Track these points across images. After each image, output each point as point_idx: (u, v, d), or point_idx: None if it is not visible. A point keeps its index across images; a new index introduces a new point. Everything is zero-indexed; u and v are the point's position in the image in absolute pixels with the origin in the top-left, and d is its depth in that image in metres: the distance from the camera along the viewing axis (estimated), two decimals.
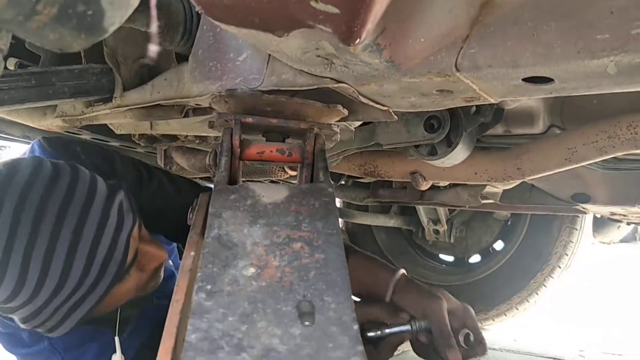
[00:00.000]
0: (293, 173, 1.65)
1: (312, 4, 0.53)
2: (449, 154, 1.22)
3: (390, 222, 2.89)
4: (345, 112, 0.85)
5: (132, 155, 1.81)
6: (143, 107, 1.12)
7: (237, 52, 0.85)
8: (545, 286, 2.51)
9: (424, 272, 2.94)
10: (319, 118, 0.86)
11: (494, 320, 2.65)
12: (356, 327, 0.51)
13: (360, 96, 0.78)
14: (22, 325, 1.10)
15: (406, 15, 0.59)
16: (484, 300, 2.65)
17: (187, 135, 1.44)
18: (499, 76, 0.62)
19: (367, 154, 1.60)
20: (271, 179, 1.75)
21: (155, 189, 1.39)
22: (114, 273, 1.08)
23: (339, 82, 0.74)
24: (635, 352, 2.63)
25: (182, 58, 1.01)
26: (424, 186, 1.57)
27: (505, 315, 2.62)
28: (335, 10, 0.53)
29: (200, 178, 1.99)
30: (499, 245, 2.77)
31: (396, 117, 0.88)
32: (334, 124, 0.85)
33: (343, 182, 2.27)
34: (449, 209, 2.75)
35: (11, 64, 1.32)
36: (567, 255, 2.45)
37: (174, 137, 1.47)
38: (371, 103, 0.81)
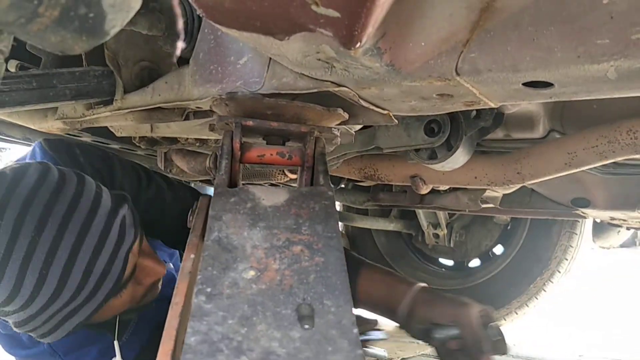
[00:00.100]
0: (293, 176, 1.65)
1: (313, 7, 0.53)
2: (449, 157, 1.22)
3: (390, 225, 2.89)
4: (346, 115, 0.85)
5: (132, 157, 1.81)
6: (144, 110, 1.13)
7: (238, 55, 0.85)
8: (544, 291, 2.50)
9: (424, 276, 2.94)
10: (320, 121, 0.86)
11: None
12: (356, 330, 0.51)
13: (360, 100, 0.78)
14: (15, 329, 1.10)
15: (406, 20, 0.59)
16: (483, 304, 2.64)
17: (187, 138, 1.44)
18: (499, 80, 0.63)
19: (367, 157, 1.60)
20: (271, 182, 1.75)
21: (153, 194, 1.39)
22: (111, 287, 1.08)
23: (339, 85, 0.74)
24: (635, 355, 2.62)
25: (183, 61, 1.01)
26: (424, 190, 1.57)
27: (505, 319, 2.61)
28: (336, 14, 0.53)
29: (200, 181, 1.99)
30: (498, 249, 2.77)
31: (396, 120, 0.88)
32: (335, 128, 0.85)
33: (343, 186, 2.28)
34: (448, 213, 2.75)
35: (12, 66, 1.32)
36: (566, 259, 2.45)
37: (174, 140, 1.48)
38: (371, 107, 0.81)
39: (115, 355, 1.24)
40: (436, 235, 2.80)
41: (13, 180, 1.03)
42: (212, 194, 0.71)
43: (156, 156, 1.78)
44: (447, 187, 1.74)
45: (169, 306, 0.59)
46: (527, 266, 2.54)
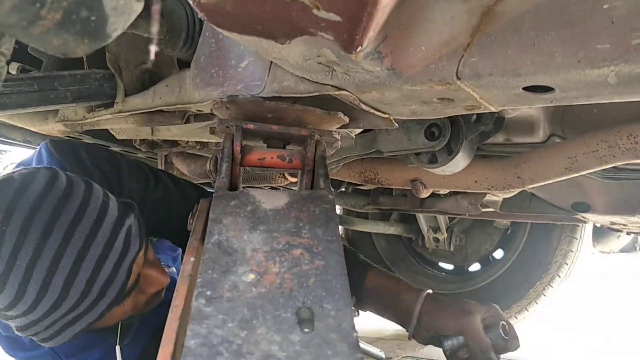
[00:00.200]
0: (293, 179, 1.65)
1: (315, 11, 0.53)
2: (450, 162, 1.22)
3: (390, 229, 2.89)
4: (346, 119, 0.85)
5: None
6: (144, 113, 1.13)
7: (239, 58, 0.86)
8: (544, 295, 2.50)
9: (424, 280, 2.93)
10: (320, 125, 0.86)
11: None
12: (355, 334, 0.51)
13: (361, 103, 0.78)
14: (17, 332, 1.10)
15: (407, 24, 0.60)
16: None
17: (188, 141, 1.44)
18: (500, 85, 0.63)
19: (367, 161, 1.60)
20: (271, 185, 1.75)
21: (161, 195, 1.38)
22: (114, 296, 1.07)
23: (340, 89, 0.74)
24: (636, 359, 2.62)
25: (184, 64, 1.01)
26: (424, 194, 1.57)
27: None
28: (337, 19, 0.53)
29: (201, 184, 1.99)
30: (498, 253, 2.77)
31: (397, 124, 0.88)
32: (335, 131, 0.85)
33: (343, 189, 2.28)
34: (449, 217, 2.75)
35: (13, 68, 1.33)
36: (566, 264, 2.45)
37: (174, 143, 1.48)
38: (372, 110, 0.81)
39: (116, 359, 1.24)
40: (436, 239, 2.79)
41: (21, 185, 1.03)
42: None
43: (156, 159, 1.79)
44: (447, 191, 1.74)
45: (169, 309, 0.59)
46: (527, 270, 2.53)
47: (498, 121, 1.21)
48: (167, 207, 1.38)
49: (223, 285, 0.55)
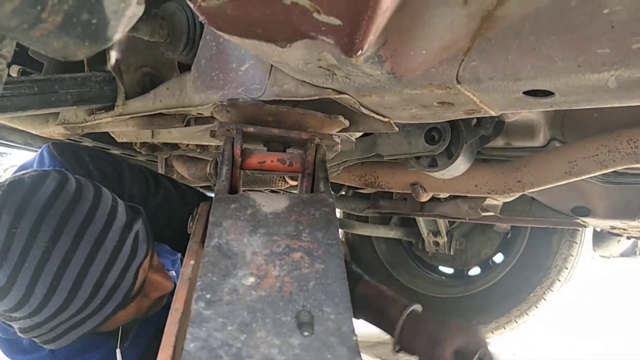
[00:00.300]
0: (294, 183, 1.65)
1: (315, 15, 0.53)
2: (450, 165, 1.22)
3: (390, 233, 2.89)
4: (347, 123, 0.85)
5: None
6: (145, 116, 1.13)
7: (240, 62, 0.86)
8: (544, 299, 2.50)
9: (424, 284, 2.93)
10: (320, 128, 0.86)
11: (492, 333, 2.64)
12: (355, 338, 0.51)
13: (361, 107, 0.78)
14: (19, 334, 1.10)
15: (408, 28, 0.60)
16: (483, 313, 2.64)
17: (188, 144, 1.44)
18: (500, 89, 0.63)
19: (367, 164, 1.60)
20: (272, 188, 1.75)
21: (162, 199, 1.39)
22: (120, 301, 1.08)
23: (340, 93, 0.74)
24: None
25: (184, 67, 1.01)
26: (424, 198, 1.57)
27: (505, 328, 2.60)
28: (338, 22, 0.53)
29: (201, 187, 1.99)
30: (498, 257, 2.77)
31: (397, 128, 0.88)
32: (335, 135, 0.85)
33: (343, 193, 2.28)
34: (449, 221, 2.75)
35: (14, 71, 1.33)
36: (566, 268, 2.45)
37: (175, 146, 1.48)
38: (372, 114, 0.81)
39: None
40: (436, 243, 2.79)
41: (31, 187, 1.03)
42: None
43: (157, 162, 1.79)
44: (447, 195, 1.74)
45: (169, 312, 0.59)
46: (527, 275, 2.53)
47: (498, 125, 1.21)
48: (168, 212, 1.38)
49: (223, 288, 0.55)
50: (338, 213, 2.81)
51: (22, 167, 1.33)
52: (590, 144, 1.14)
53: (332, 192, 0.76)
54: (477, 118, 1.19)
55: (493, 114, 0.74)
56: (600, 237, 2.32)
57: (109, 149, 1.69)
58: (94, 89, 1.11)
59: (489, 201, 1.75)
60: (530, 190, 1.33)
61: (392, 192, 2.12)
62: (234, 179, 0.78)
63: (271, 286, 0.56)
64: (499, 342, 2.79)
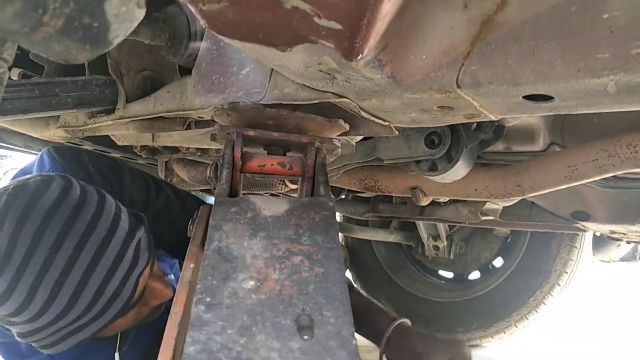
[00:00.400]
0: (294, 186, 1.65)
1: (316, 20, 0.53)
2: (449, 169, 1.23)
3: (390, 237, 2.89)
4: (347, 126, 0.86)
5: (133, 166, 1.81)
6: (145, 119, 1.13)
7: (240, 65, 0.86)
8: (544, 304, 2.49)
9: (423, 288, 2.93)
10: (321, 132, 0.86)
11: (492, 337, 2.64)
12: (355, 342, 0.51)
13: (361, 111, 0.78)
14: (17, 338, 1.10)
15: (408, 32, 0.60)
16: (482, 317, 2.64)
17: (188, 147, 1.44)
18: (500, 93, 0.63)
19: (367, 168, 1.60)
20: (272, 192, 1.75)
21: (162, 205, 1.39)
22: (120, 308, 1.08)
23: (340, 96, 0.74)
24: None
25: (185, 71, 1.02)
26: (424, 202, 1.57)
27: (505, 332, 2.60)
28: (338, 27, 0.53)
29: (201, 190, 1.99)
30: (498, 262, 2.76)
31: (397, 132, 0.88)
32: (335, 139, 0.86)
33: (343, 197, 2.28)
34: (448, 225, 2.75)
35: (15, 74, 1.33)
36: (566, 273, 2.44)
37: (175, 149, 1.48)
38: (372, 118, 0.81)
39: None
40: (436, 247, 2.79)
41: (35, 192, 1.03)
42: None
43: (157, 165, 1.79)
44: (447, 199, 1.74)
45: (168, 316, 0.59)
46: (527, 279, 2.53)
47: (498, 129, 1.22)
48: (168, 218, 1.38)
49: (223, 291, 0.55)
50: (338, 217, 2.81)
51: (22, 171, 1.33)
52: (590, 149, 1.15)
53: (332, 196, 0.76)
54: (477, 122, 1.19)
55: (493, 118, 0.74)
56: (600, 242, 2.32)
57: (109, 152, 1.69)
58: (95, 92, 1.11)
59: (488, 205, 1.75)
60: (530, 195, 1.33)
61: (392, 196, 2.12)
62: (234, 182, 0.78)
63: (271, 289, 0.56)
64: (499, 346, 2.78)
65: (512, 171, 1.33)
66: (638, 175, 1.35)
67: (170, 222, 1.38)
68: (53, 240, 0.99)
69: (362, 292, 2.58)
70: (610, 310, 4.24)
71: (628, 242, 2.07)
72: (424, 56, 0.63)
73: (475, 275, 2.85)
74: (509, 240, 2.72)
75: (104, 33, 0.47)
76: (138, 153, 1.53)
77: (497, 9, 0.59)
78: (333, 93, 0.74)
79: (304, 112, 0.82)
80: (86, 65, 1.18)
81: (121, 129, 1.23)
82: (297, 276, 0.59)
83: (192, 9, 0.57)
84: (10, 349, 1.29)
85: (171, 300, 0.64)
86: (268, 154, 0.86)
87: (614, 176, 1.25)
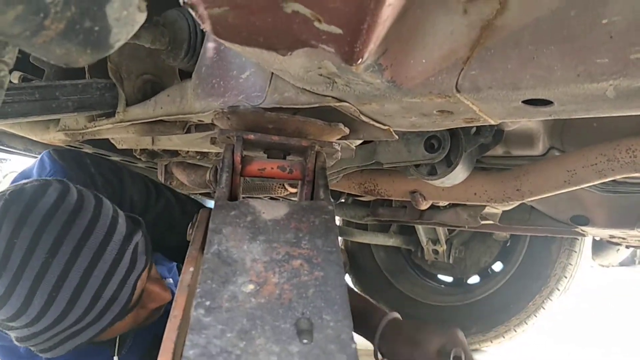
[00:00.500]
0: (293, 190, 1.65)
1: (316, 24, 0.53)
2: (449, 174, 1.23)
3: (390, 241, 2.89)
4: (347, 130, 0.86)
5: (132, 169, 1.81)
6: (145, 123, 1.13)
7: (241, 69, 0.86)
8: (544, 308, 2.49)
9: (422, 292, 2.93)
10: (321, 136, 0.86)
11: (491, 342, 2.64)
12: (354, 345, 0.51)
13: (361, 115, 0.78)
14: (16, 342, 1.10)
15: (408, 37, 0.60)
16: (482, 321, 2.64)
17: (188, 151, 1.44)
18: (499, 98, 0.63)
19: (367, 172, 1.60)
20: (271, 195, 1.75)
21: (162, 208, 1.39)
22: (117, 312, 1.08)
23: (340, 101, 0.74)
24: None
25: (185, 74, 1.02)
26: (424, 206, 1.57)
27: (504, 337, 2.60)
28: (339, 31, 0.53)
29: (200, 194, 1.99)
30: (497, 266, 2.76)
31: (397, 136, 0.88)
32: (335, 142, 0.86)
33: (343, 200, 2.28)
34: (448, 229, 2.75)
35: (15, 77, 1.33)
36: (566, 277, 2.44)
37: (175, 153, 1.48)
38: (372, 122, 0.81)
39: None
40: (435, 251, 2.79)
41: (33, 197, 1.03)
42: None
43: (156, 169, 1.79)
44: (446, 203, 1.74)
45: (167, 319, 0.59)
46: (527, 283, 2.53)
47: (497, 134, 1.22)
48: (168, 221, 1.38)
49: (222, 295, 0.55)
50: (337, 220, 2.81)
51: (22, 173, 1.33)
52: (590, 153, 1.15)
53: (332, 200, 0.76)
54: (477, 127, 1.19)
55: (492, 122, 0.74)
56: (599, 246, 2.32)
57: (109, 156, 1.69)
58: (95, 95, 1.11)
59: (488, 209, 1.75)
60: (529, 199, 1.33)
61: (392, 200, 2.12)
62: (233, 186, 0.78)
63: (270, 293, 0.56)
64: (498, 351, 2.78)
65: (511, 175, 1.34)
66: (637, 180, 1.35)
67: (169, 225, 1.38)
68: (50, 245, 0.99)
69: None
70: (610, 315, 4.24)
71: (627, 247, 2.07)
72: (424, 61, 0.63)
73: (474, 279, 2.86)
74: (508, 245, 2.72)
75: (105, 37, 0.47)
76: (138, 156, 1.53)
77: (497, 13, 0.59)
78: (333, 97, 0.74)
79: (304, 116, 0.82)
80: (86, 69, 1.18)
81: (121, 132, 1.24)
82: (296, 280, 0.59)
83: (193, 13, 0.57)
84: (9, 352, 1.29)
85: (170, 303, 0.64)
86: (268, 157, 0.86)
87: (613, 180, 1.25)
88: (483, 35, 0.61)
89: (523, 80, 0.59)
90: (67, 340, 1.07)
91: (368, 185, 1.62)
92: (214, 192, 0.85)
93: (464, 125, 0.78)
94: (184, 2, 0.55)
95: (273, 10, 0.54)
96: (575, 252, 2.43)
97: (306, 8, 0.52)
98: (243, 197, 0.77)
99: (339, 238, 2.77)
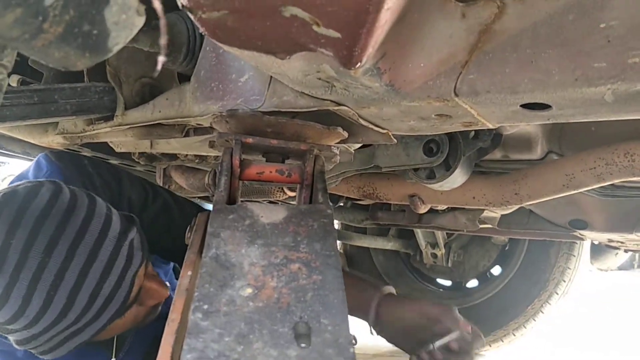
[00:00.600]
0: (292, 194, 1.65)
1: (315, 28, 0.53)
2: (447, 177, 1.23)
3: (388, 244, 2.89)
4: (345, 134, 0.86)
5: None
6: (144, 126, 1.13)
7: (239, 73, 0.86)
8: (542, 312, 2.49)
9: (421, 296, 2.93)
10: (319, 140, 0.86)
11: (490, 346, 2.64)
12: (352, 350, 0.51)
13: (360, 119, 0.78)
14: (16, 346, 1.10)
15: (406, 41, 0.60)
16: (480, 325, 2.61)
17: (186, 155, 1.44)
18: (498, 102, 0.63)
19: (366, 176, 1.60)
20: (270, 199, 1.75)
21: (160, 209, 1.39)
22: (116, 309, 1.07)
23: (339, 104, 0.74)
24: None
25: (184, 78, 1.02)
26: (422, 209, 1.57)
27: (502, 341, 2.60)
28: (337, 35, 0.53)
29: (199, 197, 1.99)
30: (496, 270, 2.76)
31: (395, 140, 0.88)
32: (334, 146, 0.86)
33: (342, 204, 2.28)
34: (447, 233, 2.75)
35: (14, 80, 1.33)
36: (564, 281, 2.44)
37: (173, 156, 1.48)
38: (371, 126, 0.81)
39: None
40: (434, 255, 2.79)
41: (25, 199, 1.03)
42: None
43: (155, 172, 1.79)
44: (445, 206, 1.74)
45: (165, 323, 0.59)
46: (525, 287, 2.53)
47: (496, 138, 1.22)
48: (166, 222, 1.38)
49: (220, 299, 0.55)
50: (336, 224, 2.81)
51: (18, 176, 1.33)
52: (588, 157, 1.15)
53: (331, 203, 0.76)
54: (475, 130, 1.19)
55: (491, 126, 0.74)
56: (597, 250, 2.32)
57: (107, 159, 1.69)
58: (94, 99, 1.11)
59: (486, 213, 1.75)
60: (527, 203, 1.33)
61: (390, 204, 2.12)
62: (232, 190, 0.78)
63: (268, 297, 0.56)
64: (497, 355, 2.78)
65: (509, 179, 1.34)
66: (635, 184, 1.35)
67: (167, 226, 1.38)
68: (45, 245, 0.99)
69: None
70: (608, 319, 4.24)
71: (626, 251, 2.07)
72: (422, 64, 0.63)
73: (473, 283, 2.86)
74: (507, 249, 2.72)
75: (104, 40, 0.47)
76: (136, 160, 1.53)
77: (495, 18, 0.59)
78: (332, 101, 0.74)
79: (303, 119, 0.82)
80: (85, 72, 1.18)
81: (119, 135, 1.24)
82: (294, 284, 0.59)
83: (192, 17, 0.57)
84: (7, 357, 1.29)
85: (168, 305, 0.65)
86: (266, 161, 0.86)
87: (611, 184, 1.25)
88: (481, 40, 0.61)
89: (521, 84, 0.59)
90: (67, 340, 1.07)
91: (367, 189, 1.62)
92: (213, 195, 0.85)
93: (462, 129, 0.78)
94: (182, 6, 0.55)
95: (272, 14, 0.54)
96: (574, 256, 2.43)
97: (305, 12, 0.52)
98: (242, 201, 0.77)
99: (338, 242, 2.78)
